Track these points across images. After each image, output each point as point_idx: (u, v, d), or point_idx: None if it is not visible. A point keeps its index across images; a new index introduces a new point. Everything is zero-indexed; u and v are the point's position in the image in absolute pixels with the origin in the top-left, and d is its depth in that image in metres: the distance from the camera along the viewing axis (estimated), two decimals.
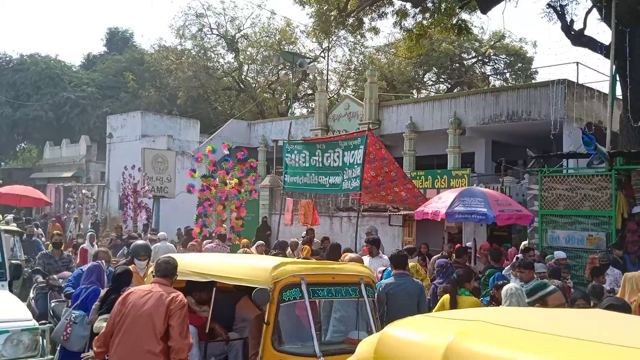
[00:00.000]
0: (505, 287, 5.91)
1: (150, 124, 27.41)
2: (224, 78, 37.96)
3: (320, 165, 12.63)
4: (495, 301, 6.40)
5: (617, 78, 13.10)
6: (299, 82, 36.57)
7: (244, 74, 38.39)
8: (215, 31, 37.68)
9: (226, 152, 13.82)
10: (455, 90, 30.75)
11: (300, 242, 12.62)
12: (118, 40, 45.74)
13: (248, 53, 37.53)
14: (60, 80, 39.65)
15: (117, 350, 4.32)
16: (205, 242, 12.15)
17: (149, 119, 27.74)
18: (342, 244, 12.95)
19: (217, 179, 13.59)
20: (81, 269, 6.78)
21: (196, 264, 5.40)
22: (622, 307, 4.98)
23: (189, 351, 4.40)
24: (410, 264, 7.94)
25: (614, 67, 12.45)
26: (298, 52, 34.77)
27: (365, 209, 15.46)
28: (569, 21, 15.26)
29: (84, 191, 25.85)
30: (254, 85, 38.20)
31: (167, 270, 4.64)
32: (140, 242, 8.12)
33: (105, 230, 22.38)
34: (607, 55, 13.18)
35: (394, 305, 5.89)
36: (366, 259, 8.62)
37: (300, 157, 13.33)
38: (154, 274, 4.71)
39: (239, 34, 38.04)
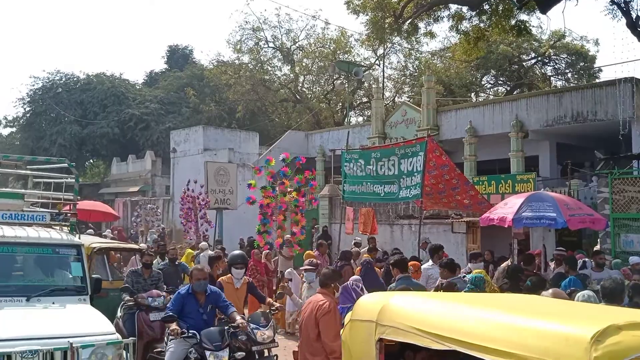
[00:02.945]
0: (578, 295, 5.72)
1: (211, 137, 28.18)
2: (281, 90, 38.52)
3: (375, 174, 12.58)
4: None
5: None
6: (355, 91, 36.64)
7: (300, 85, 38.83)
8: (271, 44, 38.34)
9: (282, 161, 14.00)
10: (515, 93, 30.01)
11: (361, 251, 12.60)
12: (178, 57, 47.26)
13: (304, 64, 37.95)
14: (124, 98, 41.31)
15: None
16: (265, 252, 12.44)
17: (210, 133, 28.52)
18: (404, 253, 12.87)
19: (277, 189, 13.78)
20: (179, 292, 6.55)
21: (426, 316, 3.19)
22: None
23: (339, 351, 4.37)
24: (476, 270, 7.82)
25: None
26: (353, 60, 34.86)
27: (427, 217, 15.27)
28: (634, 17, 14.67)
29: (149, 205, 26.78)
30: (310, 96, 38.57)
31: (321, 282, 5.75)
32: (236, 252, 8.43)
33: (172, 242, 23.09)
34: None
35: None
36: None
37: (357, 166, 13.32)
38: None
39: (294, 46, 38.57)
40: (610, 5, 15.45)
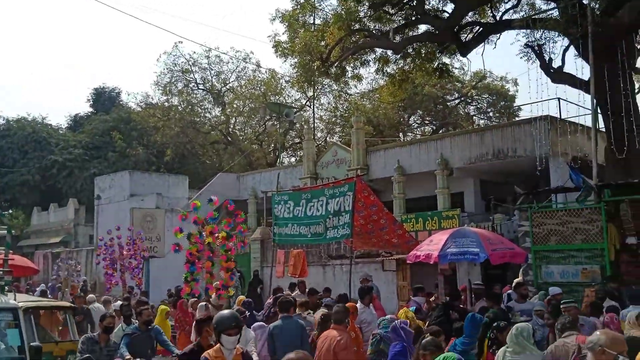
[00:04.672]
0: (515, 326, 5.72)
1: (138, 182, 27.35)
2: (212, 132, 38.21)
3: (303, 215, 12.49)
4: (498, 344, 6.20)
5: (599, 111, 13.25)
6: (287, 132, 36.85)
7: (231, 127, 38.67)
8: (201, 86, 38.15)
9: (211, 205, 13.65)
10: (440, 132, 31.03)
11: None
12: (104, 99, 46.13)
13: (235, 106, 37.92)
14: (47, 143, 39.73)
15: None
16: (192, 301, 11.82)
17: (137, 178, 27.70)
18: (336, 293, 12.69)
19: (204, 234, 13.37)
20: None
21: None
22: None
23: None
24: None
25: (594, 101, 12.61)
26: (284, 102, 35.16)
27: (358, 256, 15.27)
28: (547, 59, 15.54)
29: (69, 261, 25.37)
30: (241, 138, 38.44)
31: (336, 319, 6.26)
32: (226, 312, 5.42)
33: (95, 295, 21.92)
34: (587, 90, 13.37)
35: (280, 343, 6.99)
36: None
37: (286, 207, 13.23)
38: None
39: (225, 88, 38.53)
40: (525, 48, 16.32)
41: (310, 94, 34.05)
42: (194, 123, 36.81)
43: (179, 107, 37.30)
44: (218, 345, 4.91)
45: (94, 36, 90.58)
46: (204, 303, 10.87)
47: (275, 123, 33.28)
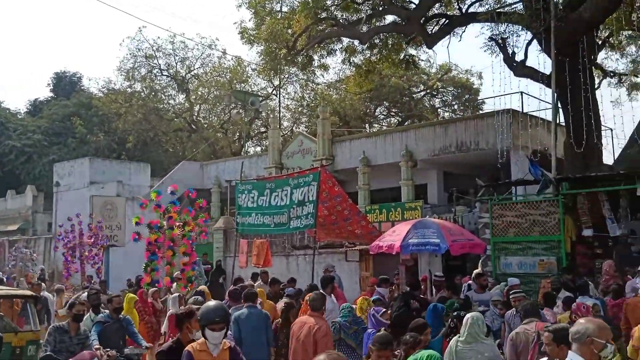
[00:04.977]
0: (468, 315, 5.78)
1: (99, 170, 26.70)
2: (175, 119, 37.58)
3: (267, 204, 12.42)
4: (457, 332, 6.27)
5: (559, 106, 13.48)
6: (252, 121, 36.52)
7: (196, 114, 38.11)
8: (165, 72, 37.44)
9: (172, 194, 13.38)
10: (406, 124, 31.22)
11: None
12: (65, 84, 44.94)
13: (199, 93, 37.36)
14: (4, 129, 38.50)
15: None
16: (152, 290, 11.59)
17: (97, 165, 27.03)
18: (300, 283, 12.65)
19: (165, 223, 13.12)
20: None
21: None
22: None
23: None
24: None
25: (555, 95, 12.81)
26: (250, 90, 34.81)
27: (322, 246, 15.26)
28: (510, 53, 15.71)
29: (25, 249, 24.69)
30: (205, 126, 37.93)
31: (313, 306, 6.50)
32: (211, 304, 4.93)
33: (52, 284, 21.42)
34: (548, 85, 13.57)
35: (245, 329, 7.19)
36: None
37: (250, 197, 13.15)
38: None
39: (189, 75, 37.90)
40: (489, 41, 16.46)
41: (276, 82, 33.78)
42: (157, 110, 36.14)
43: (142, 94, 36.56)
44: (202, 340, 4.65)
45: (54, 19, 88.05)
46: (177, 294, 10.56)
47: (241, 111, 32.94)
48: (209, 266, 18.54)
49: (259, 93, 35.44)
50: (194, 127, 37.26)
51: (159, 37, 56.26)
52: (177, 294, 10.53)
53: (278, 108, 34.03)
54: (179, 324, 5.67)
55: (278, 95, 34.85)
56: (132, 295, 10.96)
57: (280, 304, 9.43)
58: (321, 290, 9.13)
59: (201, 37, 44.23)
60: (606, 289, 8.95)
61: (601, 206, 10.39)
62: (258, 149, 38.38)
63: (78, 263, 18.22)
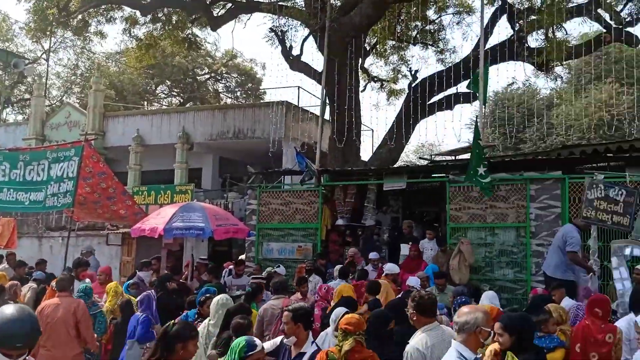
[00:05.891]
0: (216, 298, 5.93)
1: None
2: None
3: (22, 179, 11.19)
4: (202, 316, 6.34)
5: (327, 102, 14.42)
6: (16, 85, 32.48)
7: None
8: None
9: None
10: (187, 105, 30.64)
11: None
12: None
13: None
14: None
15: None
16: None
17: None
18: (53, 267, 11.66)
19: None
20: None
21: None
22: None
23: None
24: None
25: (324, 92, 13.65)
26: (15, 50, 30.89)
27: (81, 228, 14.25)
28: (288, 47, 16.33)
29: None
30: None
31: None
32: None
33: None
34: (319, 82, 14.39)
35: None
36: None
37: (0, 169, 11.69)
38: None
39: None
40: (270, 32, 16.89)
41: (47, 45, 30.45)
42: None
43: None
44: None
45: None
46: None
47: (1, 73, 29.02)
48: None
49: (26, 55, 31.65)
50: None
51: None
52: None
53: (46, 74, 30.74)
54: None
55: (47, 60, 31.51)
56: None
57: (25, 289, 8.67)
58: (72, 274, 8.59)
59: None
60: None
61: (352, 198, 11.40)
62: (20, 117, 34.30)
63: None
